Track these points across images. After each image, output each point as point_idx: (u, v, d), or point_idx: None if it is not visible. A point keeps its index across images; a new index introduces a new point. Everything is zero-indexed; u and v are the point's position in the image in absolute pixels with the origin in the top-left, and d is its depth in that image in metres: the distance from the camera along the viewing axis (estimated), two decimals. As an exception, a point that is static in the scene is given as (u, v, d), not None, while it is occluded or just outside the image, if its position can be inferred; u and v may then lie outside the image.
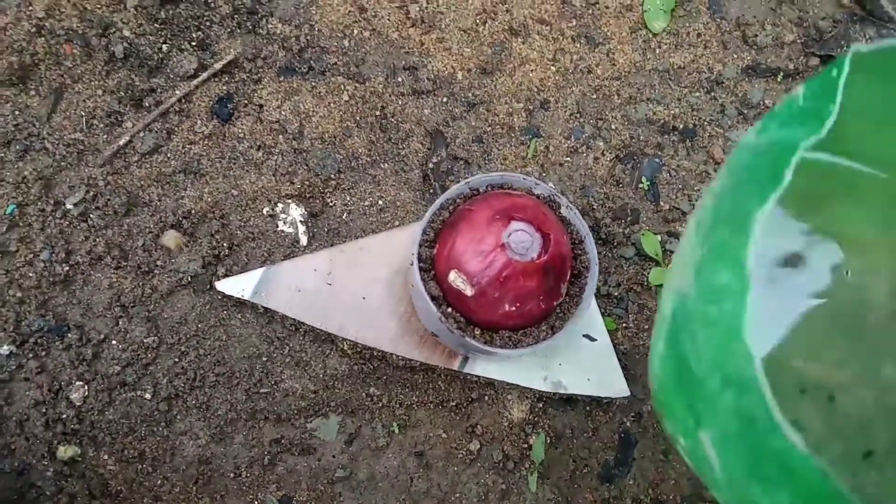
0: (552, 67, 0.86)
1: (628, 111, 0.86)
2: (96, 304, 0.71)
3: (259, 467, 0.72)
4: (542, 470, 0.75)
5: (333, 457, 0.73)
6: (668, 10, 0.90)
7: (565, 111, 0.85)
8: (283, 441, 0.72)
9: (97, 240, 0.72)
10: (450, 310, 0.65)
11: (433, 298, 0.65)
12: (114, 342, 0.71)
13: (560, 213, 0.70)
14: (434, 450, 0.75)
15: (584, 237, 0.69)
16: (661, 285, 0.80)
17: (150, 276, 0.73)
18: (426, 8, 0.85)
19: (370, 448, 0.74)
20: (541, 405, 0.77)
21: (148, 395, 0.71)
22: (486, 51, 0.85)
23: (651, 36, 0.90)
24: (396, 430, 0.74)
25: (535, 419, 0.77)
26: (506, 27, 0.87)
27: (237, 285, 0.71)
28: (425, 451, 0.74)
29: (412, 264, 0.66)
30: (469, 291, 0.63)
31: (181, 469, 0.71)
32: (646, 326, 0.80)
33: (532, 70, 0.86)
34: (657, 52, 0.89)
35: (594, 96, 0.86)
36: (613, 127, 0.85)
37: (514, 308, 0.63)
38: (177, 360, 0.72)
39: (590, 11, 0.89)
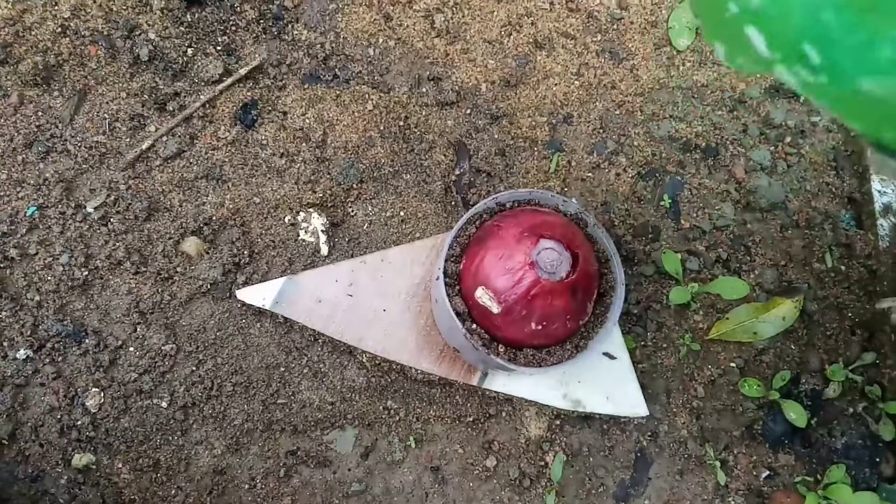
0: (576, 82, 0.86)
1: (651, 128, 0.86)
2: (114, 310, 0.71)
3: (274, 479, 0.71)
4: (557, 488, 0.74)
5: (349, 470, 0.72)
6: (693, 27, 0.90)
7: (588, 126, 0.85)
8: (298, 453, 0.72)
9: (117, 244, 0.71)
10: (474, 326, 0.65)
11: (458, 314, 0.64)
12: (131, 349, 0.70)
13: (587, 230, 0.69)
14: (450, 465, 0.74)
15: (610, 256, 0.68)
16: (680, 304, 0.80)
17: (169, 283, 0.72)
18: (451, 18, 0.85)
19: (386, 462, 0.73)
20: (558, 422, 0.77)
21: (164, 404, 0.70)
22: (511, 63, 0.85)
23: (675, 53, 0.89)
24: (413, 445, 0.74)
25: (552, 436, 0.76)
26: (530, 40, 0.86)
27: (258, 294, 0.71)
28: (441, 466, 0.74)
29: (438, 279, 0.65)
30: (496, 309, 0.62)
31: (196, 479, 0.70)
32: (664, 345, 0.80)
33: (556, 84, 0.85)
34: (681, 69, 0.89)
35: (617, 112, 0.86)
36: (636, 143, 0.85)
37: (540, 327, 0.63)
38: (194, 368, 0.71)
39: (614, 27, 0.89)
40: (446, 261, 0.66)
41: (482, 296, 0.62)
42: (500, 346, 0.65)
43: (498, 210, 0.69)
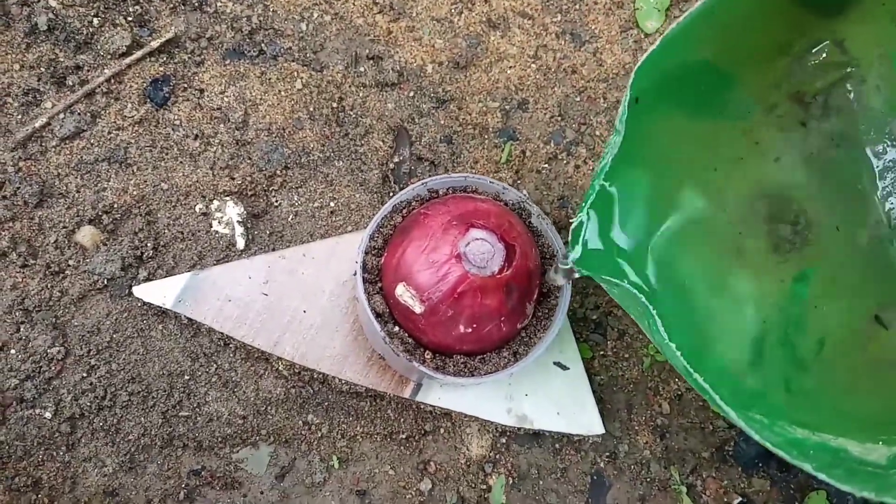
0: (533, 65, 0.78)
1: (615, 116, 0.78)
2: (-5, 307, 0.62)
3: (173, 502, 0.62)
4: (501, 515, 0.66)
5: (262, 493, 0.64)
6: (662, 8, 0.82)
7: (545, 113, 0.77)
8: (203, 472, 0.63)
9: (2, 233, 0.63)
10: (396, 329, 0.56)
11: (378, 315, 0.56)
12: (12, 352, 0.61)
13: (530, 222, 0.61)
14: (378, 488, 0.65)
15: (556, 252, 0.60)
16: (644, 310, 0.72)
17: (60, 278, 0.64)
18: (397, -6, 0.77)
19: (305, 484, 0.64)
20: (504, 440, 0.68)
21: (48, 415, 0.61)
22: (461, 43, 0.77)
23: (643, 36, 0.81)
24: (336, 465, 0.65)
25: (497, 456, 0.68)
26: (483, 19, 0.78)
27: (158, 291, 0.62)
28: (368, 489, 0.65)
29: (355, 274, 0.57)
30: (418, 308, 0.54)
31: (83, 501, 0.61)
32: (626, 355, 0.72)
33: (510, 67, 0.77)
34: (649, 53, 0.81)
35: (578, 98, 0.78)
36: (598, 133, 0.77)
37: (469, 330, 0.54)
38: (85, 374, 0.62)
39: (577, 7, 0.81)
40: (366, 253, 0.57)
41: (403, 293, 0.54)
42: (427, 352, 0.57)
43: (429, 197, 0.61)
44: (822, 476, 0.39)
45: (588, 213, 0.50)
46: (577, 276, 0.51)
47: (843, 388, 0.53)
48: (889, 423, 0.48)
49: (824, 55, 0.56)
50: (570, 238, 0.50)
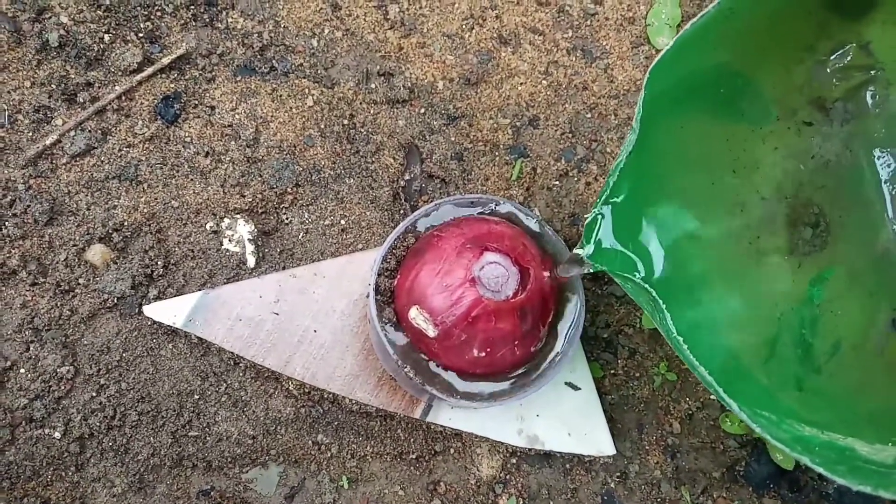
0: (544, 81, 0.78)
1: (626, 133, 0.78)
2: (5, 326, 0.62)
3: (183, 523, 0.62)
4: (512, 536, 0.65)
5: (271, 513, 0.63)
6: (673, 24, 0.82)
7: (556, 130, 0.76)
8: (212, 493, 0.63)
9: (12, 251, 0.63)
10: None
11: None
12: (22, 371, 0.61)
13: (543, 243, 0.61)
14: (389, 509, 0.65)
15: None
16: (655, 329, 0.71)
17: (70, 296, 0.63)
18: (407, 9, 0.77)
19: (315, 504, 0.64)
20: (514, 461, 0.68)
21: (57, 434, 0.61)
22: (472, 59, 0.77)
23: (654, 52, 0.81)
24: (346, 485, 0.65)
25: (507, 477, 0.67)
26: (494, 35, 0.78)
27: (168, 311, 0.62)
28: (379, 509, 0.65)
29: (368, 296, 0.56)
30: (431, 332, 0.53)
31: (91, 522, 0.61)
32: (637, 374, 0.71)
33: (521, 83, 0.77)
34: (660, 70, 0.81)
35: (589, 115, 0.77)
36: (609, 150, 0.76)
37: (483, 354, 0.54)
38: (94, 394, 0.62)
39: (588, 23, 0.81)
40: (379, 275, 0.57)
41: (416, 316, 0.54)
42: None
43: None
44: (821, 470, 0.39)
45: (602, 210, 0.50)
46: (590, 270, 0.51)
47: (857, 390, 0.53)
48: None
49: (849, 58, 0.55)
50: (583, 233, 0.51)
